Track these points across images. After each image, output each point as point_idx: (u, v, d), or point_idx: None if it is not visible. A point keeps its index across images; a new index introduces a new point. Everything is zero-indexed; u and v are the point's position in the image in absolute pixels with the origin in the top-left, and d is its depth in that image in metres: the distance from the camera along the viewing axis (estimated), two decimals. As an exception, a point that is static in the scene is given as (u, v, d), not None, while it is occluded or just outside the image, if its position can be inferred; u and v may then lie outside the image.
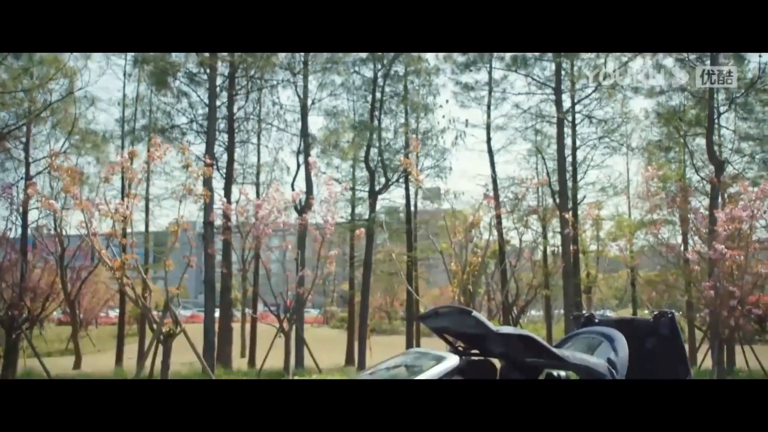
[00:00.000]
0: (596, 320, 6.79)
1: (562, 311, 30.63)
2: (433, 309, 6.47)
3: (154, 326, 10.31)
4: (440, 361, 5.45)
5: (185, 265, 10.74)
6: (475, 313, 5.59)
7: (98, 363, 21.83)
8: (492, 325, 5.56)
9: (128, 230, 10.51)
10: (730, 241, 12.30)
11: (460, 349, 6.73)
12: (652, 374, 5.95)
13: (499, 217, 15.53)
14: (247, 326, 28.31)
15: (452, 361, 5.43)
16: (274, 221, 12.95)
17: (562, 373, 6.32)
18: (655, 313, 5.87)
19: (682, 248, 16.31)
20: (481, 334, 5.97)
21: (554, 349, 5.59)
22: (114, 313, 46.09)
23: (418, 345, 24.54)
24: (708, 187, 17.63)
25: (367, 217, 22.76)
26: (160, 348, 10.79)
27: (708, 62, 16.03)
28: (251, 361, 23.32)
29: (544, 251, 23.18)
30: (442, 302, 47.91)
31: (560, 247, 17.21)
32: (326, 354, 17.52)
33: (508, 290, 13.62)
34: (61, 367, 15.86)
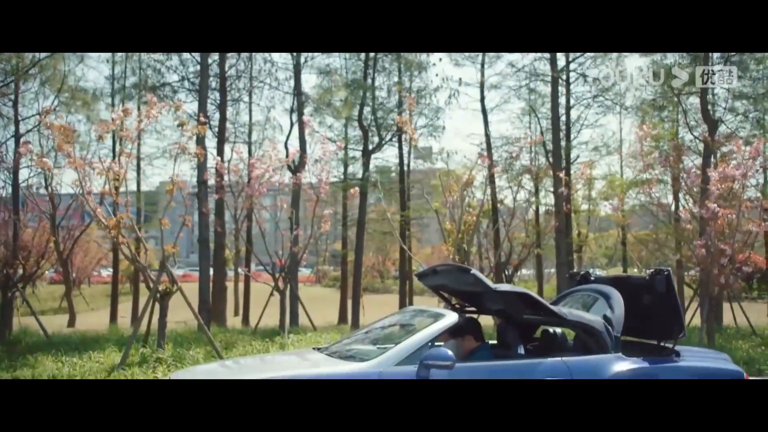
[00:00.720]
0: (592, 278, 6.86)
1: (552, 270, 30.98)
2: (431, 267, 6.51)
3: (151, 285, 10.33)
4: (439, 318, 5.51)
5: (180, 224, 10.73)
6: (474, 270, 5.63)
7: (92, 321, 21.97)
8: (491, 283, 5.61)
9: (122, 189, 10.44)
10: (722, 200, 12.38)
11: (457, 306, 6.81)
12: (647, 331, 6.05)
13: (492, 176, 15.55)
14: (241, 285, 28.51)
15: (451, 318, 5.49)
16: (268, 180, 12.91)
17: (558, 330, 6.41)
18: (651, 270, 5.93)
19: (673, 207, 16.43)
20: (479, 291, 6.02)
21: (552, 307, 5.66)
22: (106, 272, 46.29)
23: (411, 303, 24.80)
24: (701, 147, 17.68)
25: (359, 176, 22.74)
26: (156, 306, 10.84)
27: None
28: (245, 320, 23.54)
29: (537, 211, 23.30)
30: (434, 261, 48.29)
31: (553, 207, 17.26)
32: (320, 312, 17.66)
33: (501, 249, 13.72)
34: (55, 325, 15.94)
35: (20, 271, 13.09)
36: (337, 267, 44.12)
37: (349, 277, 24.96)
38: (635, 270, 24.37)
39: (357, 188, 14.61)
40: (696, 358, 5.84)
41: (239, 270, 28.32)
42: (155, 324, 11.23)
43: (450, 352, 5.01)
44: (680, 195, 16.09)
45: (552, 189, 18.93)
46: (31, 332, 13.03)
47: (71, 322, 23.01)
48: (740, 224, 12.29)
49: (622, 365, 5.37)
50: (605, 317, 5.69)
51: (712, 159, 15.99)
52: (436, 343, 5.51)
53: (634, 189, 19.82)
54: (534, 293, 5.76)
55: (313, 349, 6.43)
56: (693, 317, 14.21)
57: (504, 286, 5.80)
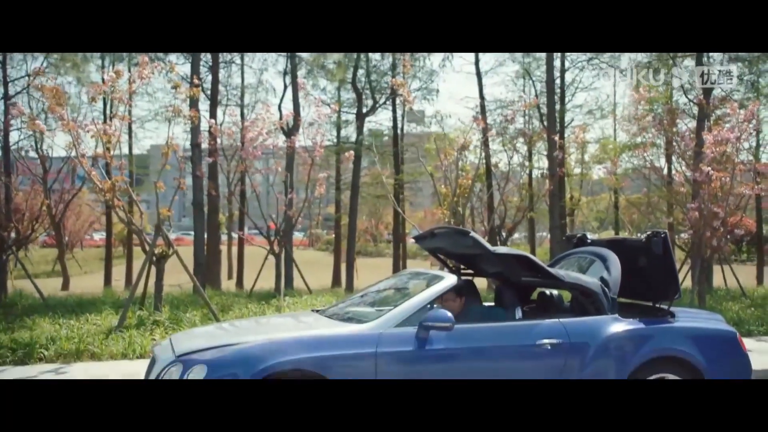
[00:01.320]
0: (588, 240, 6.92)
1: (545, 234, 31.13)
2: (429, 230, 6.53)
3: (147, 248, 10.33)
4: (438, 281, 5.56)
5: (175, 188, 10.70)
6: (473, 233, 5.66)
7: (86, 284, 22.01)
8: (489, 245, 5.65)
9: (115, 152, 10.35)
10: (716, 163, 12.42)
11: (454, 269, 6.86)
12: (642, 293, 6.12)
13: (487, 139, 15.52)
14: (234, 249, 28.56)
15: (450, 280, 5.53)
16: (262, 143, 12.84)
17: (555, 292, 6.48)
18: (648, 233, 5.98)
19: (666, 171, 16.47)
20: (477, 254, 6.07)
21: (549, 269, 5.71)
22: (99, 236, 46.23)
23: (404, 267, 24.93)
24: (695, 110, 17.65)
25: (352, 139, 22.64)
26: (152, 269, 10.85)
27: None
28: (239, 283, 23.65)
29: (530, 174, 23.31)
30: (427, 224, 48.42)
31: (547, 170, 17.26)
32: (313, 276, 17.77)
33: (496, 212, 13.76)
34: (50, 288, 15.95)
35: (13, 234, 13.03)
36: (329, 231, 44.22)
37: (343, 240, 25.02)
38: (626, 233, 24.55)
39: (352, 152, 14.53)
40: (690, 319, 5.93)
41: (233, 234, 28.33)
42: (151, 287, 11.27)
43: (449, 314, 5.07)
44: (673, 158, 16.13)
45: (546, 152, 18.90)
46: (26, 295, 13.05)
47: (65, 285, 23.03)
48: (733, 187, 12.36)
49: (618, 326, 5.46)
50: (602, 279, 5.76)
51: (706, 122, 15.98)
52: (435, 305, 5.56)
53: (627, 152, 19.84)
54: (532, 256, 5.80)
55: (312, 311, 6.48)
56: (684, 279, 14.38)
57: (502, 249, 5.85)
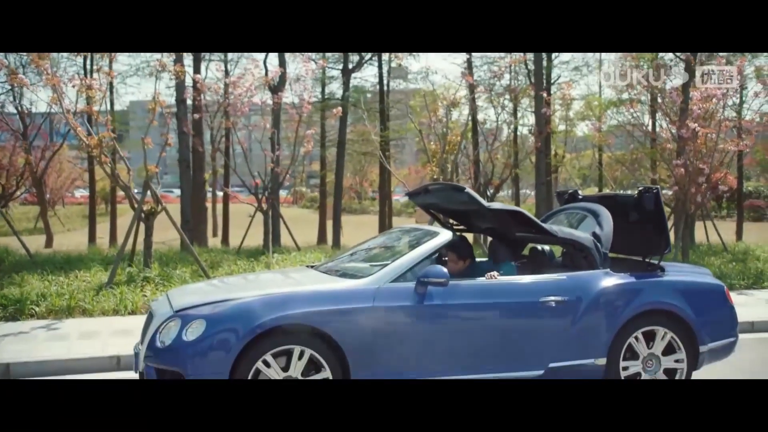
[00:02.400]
0: (580, 197, 6.99)
1: (528, 191, 31.27)
2: (423, 186, 6.56)
3: (135, 205, 10.27)
4: (433, 236, 5.59)
5: (163, 144, 10.60)
6: (468, 189, 5.69)
7: (69, 242, 21.85)
8: (484, 201, 5.69)
9: (95, 108, 10.17)
10: (702, 119, 12.50)
11: (447, 225, 6.91)
12: (633, 248, 6.22)
13: (473, 96, 15.46)
14: (219, 206, 28.44)
15: (446, 235, 5.58)
16: (249, 100, 12.69)
17: (546, 248, 6.57)
18: (640, 188, 6.05)
19: (650, 127, 16.54)
20: (471, 210, 6.12)
21: (543, 224, 5.78)
22: (80, 194, 45.75)
23: (390, 224, 25.01)
24: (682, 66, 17.64)
25: (337, 96, 22.43)
26: (140, 226, 10.81)
27: None
28: (224, 240, 23.61)
29: (515, 131, 23.31)
30: (412, 182, 48.42)
31: (534, 127, 17.26)
32: (299, 232, 17.75)
33: (484, 169, 13.81)
34: (33, 245, 15.75)
35: (-1, 191, 12.88)
36: (313, 188, 44.14)
37: (328, 197, 25.00)
38: (607, 190, 24.73)
39: (340, 108, 14.41)
40: (680, 273, 6.05)
41: (217, 191, 28.17)
42: (139, 244, 11.24)
43: (445, 270, 5.12)
44: (658, 115, 16.18)
45: (532, 109, 18.88)
46: (12, 251, 12.94)
47: (48, 243, 22.84)
48: (717, 144, 12.48)
49: (610, 280, 5.56)
50: (594, 234, 5.83)
51: (692, 79, 16.00)
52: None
53: (612, 109, 19.87)
54: (526, 211, 5.86)
55: (307, 266, 6.52)
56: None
57: (497, 205, 5.89)
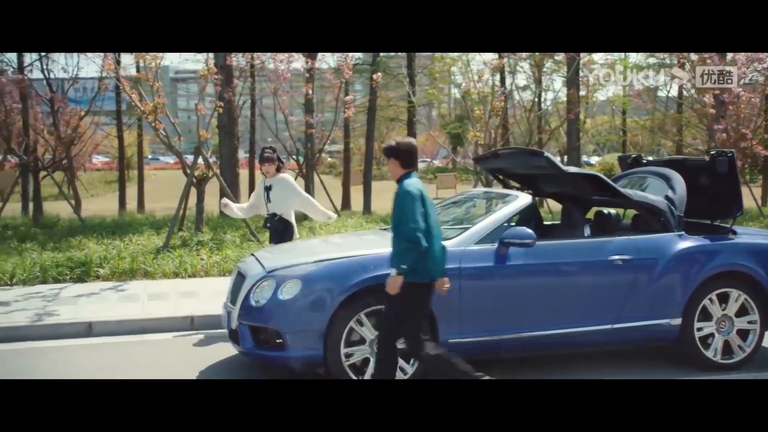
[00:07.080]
0: (644, 161, 7.05)
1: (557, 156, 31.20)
2: (492, 151, 6.68)
3: (187, 170, 10.42)
4: (512, 199, 5.70)
5: (212, 110, 10.71)
6: (546, 153, 5.79)
7: (96, 207, 22.06)
8: (563, 166, 5.80)
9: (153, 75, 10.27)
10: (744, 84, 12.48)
11: (516, 188, 7.01)
12: (703, 211, 6.28)
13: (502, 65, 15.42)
14: (244, 172, 28.51)
15: (525, 199, 5.69)
16: (289, 67, 12.70)
17: (612, 211, 6.67)
18: (712, 152, 6.12)
19: (675, 93, 16.49)
20: (544, 174, 6.22)
21: (619, 188, 5.86)
22: (97, 159, 45.96)
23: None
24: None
25: (360, 62, 22.38)
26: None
27: None
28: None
29: (538, 97, 23.26)
30: (428, 148, 47.99)
31: (567, 92, 17.21)
32: (323, 198, 17.93)
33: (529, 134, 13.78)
34: (63, 210, 15.77)
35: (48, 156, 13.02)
36: (332, 153, 44.13)
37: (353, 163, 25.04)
38: (617, 154, 24.69)
39: (379, 74, 14.43)
40: (751, 235, 6.17)
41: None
42: (188, 209, 11.41)
43: (530, 231, 5.25)
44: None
45: (564, 75, 18.80)
46: (60, 217, 13.14)
47: (76, 209, 23.05)
48: (762, 108, 12.48)
49: (685, 243, 5.68)
50: (667, 197, 5.91)
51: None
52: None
53: (640, 72, 19.73)
54: (603, 175, 5.95)
55: (380, 230, 6.67)
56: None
57: (574, 169, 6.00)
